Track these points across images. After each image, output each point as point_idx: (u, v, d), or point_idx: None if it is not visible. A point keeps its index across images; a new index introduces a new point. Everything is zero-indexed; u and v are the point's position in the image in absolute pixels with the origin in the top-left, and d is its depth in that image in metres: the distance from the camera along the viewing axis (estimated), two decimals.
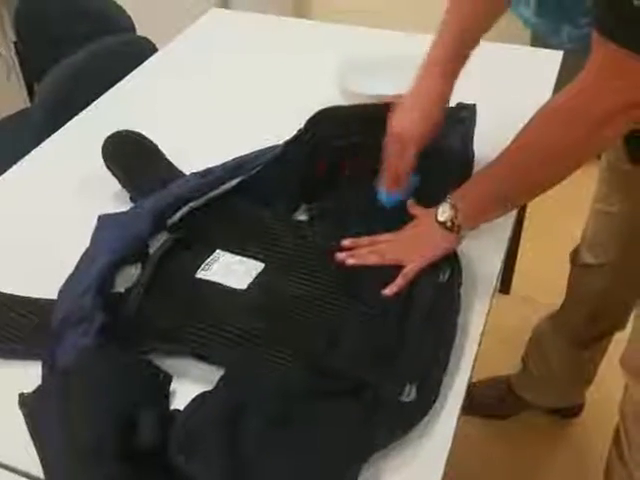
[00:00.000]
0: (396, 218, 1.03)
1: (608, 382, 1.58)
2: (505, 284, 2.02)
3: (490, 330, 0.98)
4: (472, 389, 0.89)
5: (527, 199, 1.02)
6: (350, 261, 0.97)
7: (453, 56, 1.03)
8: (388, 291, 0.93)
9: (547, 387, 1.64)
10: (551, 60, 1.51)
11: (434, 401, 0.81)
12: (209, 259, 0.98)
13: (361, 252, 0.98)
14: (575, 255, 1.44)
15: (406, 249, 0.98)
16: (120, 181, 1.14)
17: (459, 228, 0.95)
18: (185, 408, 0.78)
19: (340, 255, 0.98)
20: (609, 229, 1.32)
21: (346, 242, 1.00)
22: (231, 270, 0.97)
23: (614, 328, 1.48)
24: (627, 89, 0.79)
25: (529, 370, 1.63)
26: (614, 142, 0.98)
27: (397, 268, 0.95)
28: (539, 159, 0.89)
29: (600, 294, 1.40)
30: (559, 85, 1.42)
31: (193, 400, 0.78)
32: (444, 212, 0.95)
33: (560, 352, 1.54)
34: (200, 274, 0.96)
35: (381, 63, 1.41)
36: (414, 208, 1.04)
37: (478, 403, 1.64)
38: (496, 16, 1.06)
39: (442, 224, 0.95)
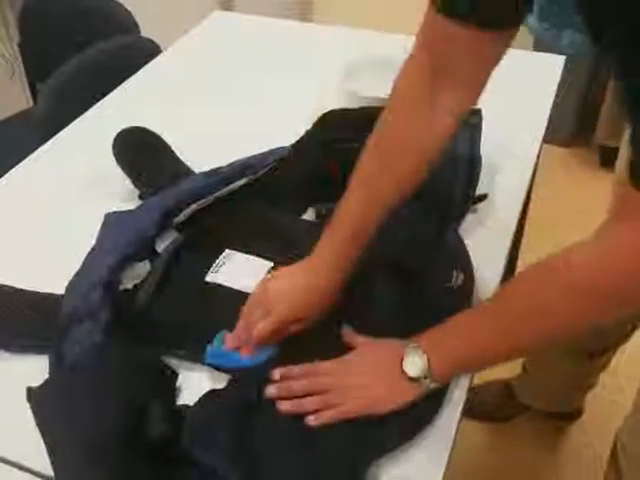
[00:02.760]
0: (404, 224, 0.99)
1: (608, 386, 1.58)
2: None
3: None
4: (472, 393, 0.87)
5: (520, 354, 0.86)
6: (285, 408, 0.78)
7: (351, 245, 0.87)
8: (313, 420, 0.76)
9: (547, 393, 1.64)
10: (553, 65, 1.52)
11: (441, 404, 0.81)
12: (218, 260, 0.99)
13: (297, 389, 0.79)
14: None
15: (352, 392, 0.79)
16: (130, 177, 1.15)
17: (433, 382, 0.78)
18: (197, 402, 0.79)
19: (271, 391, 0.79)
20: None
21: (276, 373, 0.81)
22: (240, 271, 0.97)
23: (619, 343, 1.46)
24: None
25: (529, 376, 1.63)
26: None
27: None
28: (535, 335, 0.73)
29: None
30: (560, 90, 1.43)
31: (204, 395, 0.79)
32: (414, 363, 0.78)
33: (562, 362, 1.52)
34: (209, 277, 0.96)
35: (385, 65, 1.41)
36: (355, 338, 0.86)
37: (477, 407, 1.64)
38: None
39: (410, 379, 0.78)
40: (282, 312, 0.84)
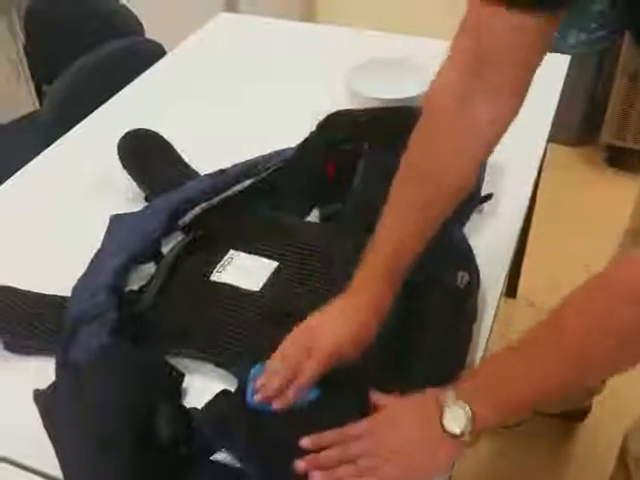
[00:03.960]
0: None
1: (620, 390, 1.57)
2: (511, 288, 2.02)
3: (495, 333, 0.98)
4: None
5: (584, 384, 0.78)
6: (317, 478, 0.70)
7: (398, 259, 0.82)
8: None
9: None
10: (559, 64, 1.51)
11: None
12: (223, 260, 0.99)
13: (329, 461, 0.72)
14: None
15: (388, 458, 0.71)
16: (135, 179, 1.15)
17: (472, 437, 0.69)
18: (210, 401, 0.80)
19: (301, 465, 0.71)
20: None
21: (306, 442, 0.73)
22: (245, 270, 0.98)
23: None
24: None
25: None
26: None
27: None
28: (605, 346, 0.65)
29: None
30: (566, 89, 1.43)
31: (217, 395, 0.80)
32: (456, 418, 0.69)
33: None
34: (215, 276, 0.96)
35: (390, 67, 1.42)
36: (384, 399, 0.77)
37: None
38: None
39: (453, 436, 0.69)
40: (327, 348, 0.77)
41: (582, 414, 1.71)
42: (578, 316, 0.67)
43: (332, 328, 0.79)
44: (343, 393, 0.81)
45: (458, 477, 0.78)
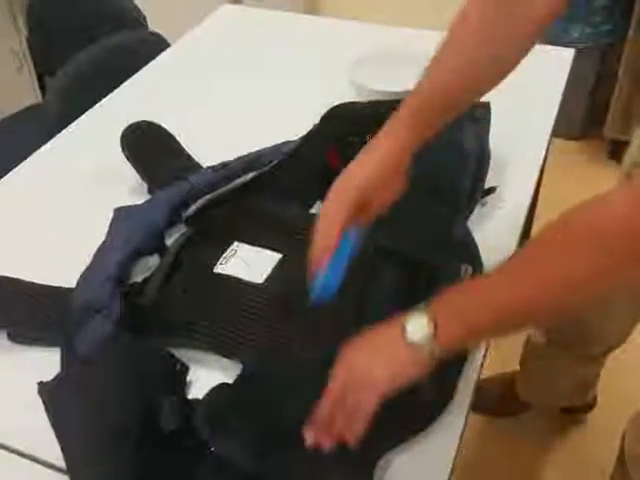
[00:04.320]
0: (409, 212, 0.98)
1: (611, 388, 1.56)
2: None
3: None
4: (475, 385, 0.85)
5: (542, 315, 0.73)
6: (327, 445, 0.72)
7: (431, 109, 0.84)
8: (351, 440, 0.72)
9: (548, 391, 1.59)
10: (562, 58, 1.51)
11: (450, 399, 0.82)
12: (226, 252, 0.99)
13: (324, 421, 0.73)
14: None
15: (360, 388, 0.72)
16: (138, 171, 1.15)
17: (436, 350, 0.69)
18: (208, 394, 0.79)
19: (309, 440, 0.73)
20: None
21: (309, 435, 0.74)
22: (249, 262, 0.97)
23: (619, 344, 1.41)
24: None
25: (528, 375, 1.60)
26: None
27: None
28: (559, 284, 0.66)
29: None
30: (570, 83, 1.43)
31: (214, 388, 0.80)
32: (417, 329, 0.69)
33: (562, 364, 1.48)
34: (219, 268, 0.96)
35: (393, 59, 1.41)
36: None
37: (479, 400, 1.61)
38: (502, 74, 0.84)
39: (410, 345, 0.69)
40: (357, 182, 0.79)
41: (587, 408, 1.70)
42: (538, 246, 0.68)
43: (358, 167, 0.81)
44: None
45: (465, 469, 0.78)
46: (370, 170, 0.80)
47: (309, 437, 0.73)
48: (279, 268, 0.97)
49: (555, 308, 0.69)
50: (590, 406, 1.71)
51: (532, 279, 0.67)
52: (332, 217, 0.78)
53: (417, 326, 0.69)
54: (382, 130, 0.84)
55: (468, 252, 0.98)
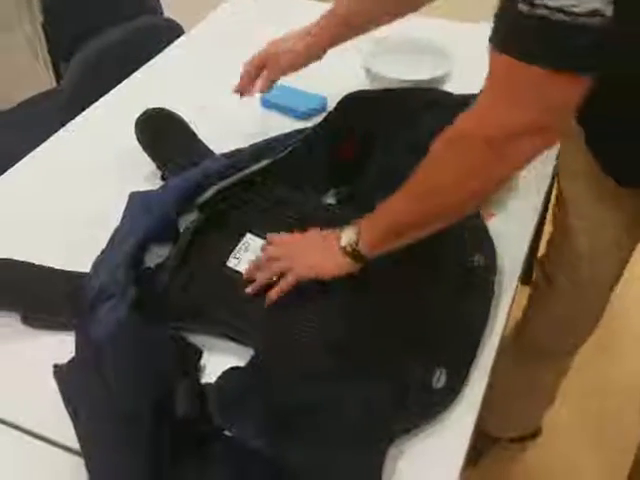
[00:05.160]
0: None
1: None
2: (526, 274, 2.00)
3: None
4: None
5: (430, 229, 0.86)
6: (249, 292, 0.92)
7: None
8: (272, 294, 0.90)
9: (506, 410, 1.51)
10: None
11: (462, 388, 0.82)
12: (240, 245, 0.99)
13: (253, 267, 0.95)
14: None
15: (294, 257, 0.94)
16: (152, 158, 1.15)
17: (359, 254, 0.89)
18: (219, 378, 0.80)
19: (247, 290, 0.92)
20: None
21: (249, 290, 0.93)
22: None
23: (577, 345, 1.37)
24: (525, 107, 0.71)
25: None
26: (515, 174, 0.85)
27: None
28: (432, 190, 0.82)
29: None
30: None
31: (225, 372, 0.81)
32: (348, 238, 0.90)
33: (519, 370, 1.41)
34: (231, 262, 0.97)
35: (408, 48, 1.41)
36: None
37: None
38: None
39: (342, 248, 0.90)
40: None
41: (534, 435, 1.68)
42: (421, 167, 0.82)
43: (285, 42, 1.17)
44: (365, 366, 0.82)
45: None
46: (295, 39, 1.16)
47: (249, 292, 0.92)
48: None
49: (446, 213, 0.84)
50: (535, 434, 1.68)
51: (419, 198, 0.84)
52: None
53: (347, 237, 0.90)
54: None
55: (481, 242, 0.98)
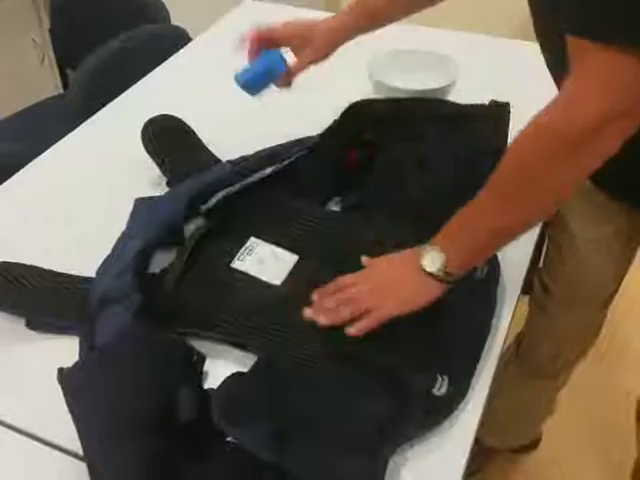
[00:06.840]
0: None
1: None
2: (526, 284, 2.00)
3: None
4: None
5: (522, 229, 0.83)
6: (323, 321, 0.86)
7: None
8: (354, 330, 0.84)
9: (506, 423, 1.50)
10: None
11: (464, 396, 0.82)
12: (243, 248, 1.00)
13: (330, 305, 0.87)
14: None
15: (382, 295, 0.86)
16: (158, 164, 1.16)
17: (451, 276, 0.85)
18: (222, 383, 0.80)
19: (308, 313, 0.88)
20: None
21: (315, 295, 0.90)
22: (266, 263, 0.98)
23: (575, 362, 1.36)
24: (608, 93, 0.70)
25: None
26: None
27: None
28: (522, 186, 0.79)
29: None
30: None
31: (228, 377, 0.81)
32: (434, 262, 0.84)
33: (519, 387, 1.41)
34: (236, 264, 0.97)
35: (413, 57, 1.42)
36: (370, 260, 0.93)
37: None
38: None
39: (430, 275, 0.84)
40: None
41: (532, 445, 1.68)
42: (505, 169, 0.79)
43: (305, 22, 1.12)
44: (366, 372, 0.82)
45: None
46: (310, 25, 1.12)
47: (307, 314, 0.87)
48: (296, 270, 0.97)
49: (533, 208, 0.81)
50: (532, 447, 1.68)
51: (507, 190, 0.80)
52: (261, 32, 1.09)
53: (432, 260, 0.84)
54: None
55: None
